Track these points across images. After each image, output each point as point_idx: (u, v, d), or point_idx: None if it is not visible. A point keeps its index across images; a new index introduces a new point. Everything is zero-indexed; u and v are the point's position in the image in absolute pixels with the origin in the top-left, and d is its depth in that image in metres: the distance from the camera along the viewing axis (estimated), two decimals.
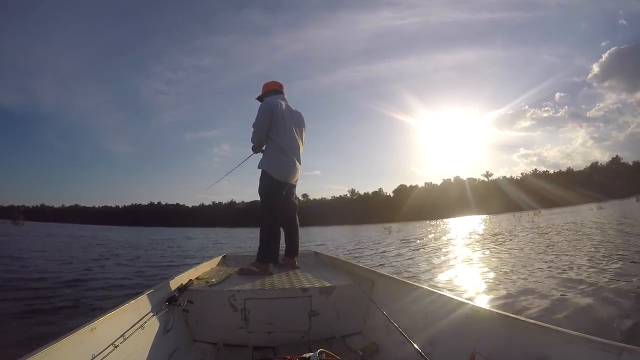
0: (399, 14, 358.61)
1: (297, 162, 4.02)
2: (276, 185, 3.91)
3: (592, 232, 14.00)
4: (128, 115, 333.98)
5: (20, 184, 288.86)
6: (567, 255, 8.26)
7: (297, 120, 4.13)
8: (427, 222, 65.79)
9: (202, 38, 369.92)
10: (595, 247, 9.17)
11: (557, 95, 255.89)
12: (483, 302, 4.86)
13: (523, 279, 5.96)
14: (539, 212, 44.13)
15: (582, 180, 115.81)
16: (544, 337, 1.50)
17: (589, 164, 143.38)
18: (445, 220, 71.56)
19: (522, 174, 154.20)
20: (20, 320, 4.47)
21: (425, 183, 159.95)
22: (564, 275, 5.94)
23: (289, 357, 1.72)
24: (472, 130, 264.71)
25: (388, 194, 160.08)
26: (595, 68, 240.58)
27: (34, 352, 1.39)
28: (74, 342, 1.58)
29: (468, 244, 13.83)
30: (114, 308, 1.99)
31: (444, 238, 18.11)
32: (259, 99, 4.21)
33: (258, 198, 4.04)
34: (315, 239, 25.14)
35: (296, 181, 4.18)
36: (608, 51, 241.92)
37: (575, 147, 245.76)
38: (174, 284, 2.82)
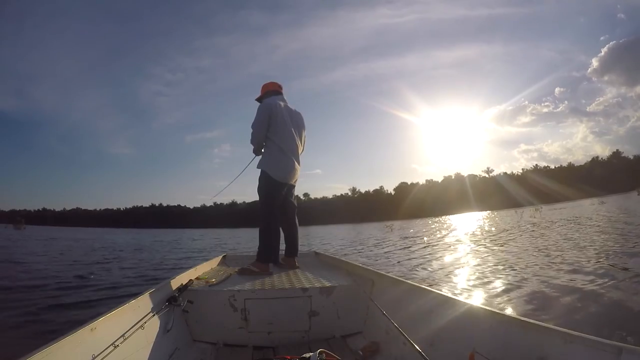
0: (397, 12, 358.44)
1: (296, 162, 4.02)
2: (275, 185, 3.91)
3: (603, 226, 13.94)
4: (128, 117, 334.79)
5: (21, 188, 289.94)
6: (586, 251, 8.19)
7: (296, 121, 4.12)
8: (429, 219, 65.57)
9: (201, 39, 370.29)
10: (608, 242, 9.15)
11: (557, 90, 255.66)
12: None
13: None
14: (541, 208, 43.95)
15: (583, 175, 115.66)
16: (543, 336, 1.50)
17: (589, 159, 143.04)
18: (447, 217, 71.32)
19: (522, 169, 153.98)
20: (20, 323, 4.48)
21: (426, 180, 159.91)
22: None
23: (289, 357, 1.72)
24: (473, 126, 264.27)
25: (389, 192, 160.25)
26: (595, 62, 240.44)
27: (34, 352, 1.39)
28: (74, 342, 1.58)
29: (476, 241, 13.68)
30: (114, 308, 1.99)
31: (451, 236, 17.93)
32: (258, 100, 4.20)
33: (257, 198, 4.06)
34: (316, 238, 25.10)
35: (295, 181, 4.18)
36: (607, 45, 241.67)
37: (575, 142, 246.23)
38: (174, 284, 2.82)
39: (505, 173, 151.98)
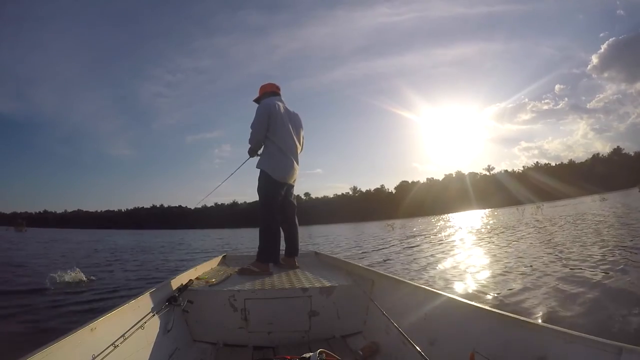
0: (396, 10, 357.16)
1: (295, 162, 4.04)
2: (275, 184, 3.93)
3: (608, 223, 13.88)
4: (128, 119, 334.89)
5: (22, 190, 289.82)
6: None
7: (294, 122, 4.15)
8: (430, 217, 65.46)
9: (200, 40, 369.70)
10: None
11: (557, 87, 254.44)
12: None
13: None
14: (542, 205, 43.82)
15: (584, 172, 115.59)
16: (543, 336, 1.49)
17: (590, 156, 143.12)
18: (448, 215, 71.27)
19: (523, 167, 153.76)
20: (20, 324, 4.49)
21: (427, 179, 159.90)
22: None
23: (289, 357, 1.72)
24: (473, 124, 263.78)
25: (390, 191, 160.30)
26: (595, 59, 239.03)
27: (34, 352, 1.39)
28: (74, 342, 1.59)
29: (484, 239, 13.55)
30: (114, 308, 2.00)
31: (457, 235, 17.71)
32: (256, 101, 4.21)
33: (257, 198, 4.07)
34: (318, 238, 25.08)
35: (294, 181, 4.20)
36: (607, 42, 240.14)
37: (576, 139, 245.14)
38: (174, 284, 2.83)
39: (506, 171, 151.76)
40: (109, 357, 1.69)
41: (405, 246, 13.53)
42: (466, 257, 9.04)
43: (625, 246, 7.79)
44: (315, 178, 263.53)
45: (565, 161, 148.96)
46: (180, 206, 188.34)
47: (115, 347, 1.75)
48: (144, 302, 2.28)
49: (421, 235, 18.82)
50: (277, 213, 3.99)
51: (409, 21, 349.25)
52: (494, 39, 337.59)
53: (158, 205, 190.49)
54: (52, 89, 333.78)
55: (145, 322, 2.09)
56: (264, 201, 3.95)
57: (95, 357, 1.62)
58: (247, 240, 25.76)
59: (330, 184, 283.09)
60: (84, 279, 7.64)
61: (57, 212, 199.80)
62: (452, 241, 14.14)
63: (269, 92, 4.22)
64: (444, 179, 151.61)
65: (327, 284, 2.97)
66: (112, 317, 1.91)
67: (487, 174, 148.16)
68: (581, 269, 6.00)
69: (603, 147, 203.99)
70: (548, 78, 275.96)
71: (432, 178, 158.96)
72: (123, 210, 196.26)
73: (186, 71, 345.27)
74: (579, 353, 1.34)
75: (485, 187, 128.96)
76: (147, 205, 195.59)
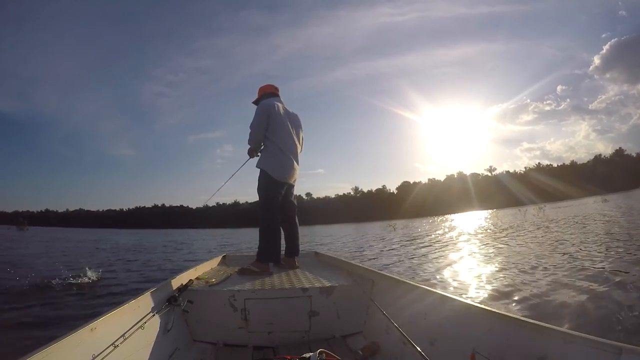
0: (398, 10, 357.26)
1: (295, 162, 4.05)
2: (275, 184, 3.93)
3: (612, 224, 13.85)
4: (130, 119, 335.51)
5: (24, 189, 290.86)
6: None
7: (294, 122, 4.16)
8: (432, 218, 65.28)
9: (201, 40, 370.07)
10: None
11: (559, 88, 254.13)
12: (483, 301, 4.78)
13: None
14: (544, 207, 43.72)
15: (586, 173, 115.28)
16: (543, 336, 1.49)
17: (592, 157, 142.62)
18: (449, 216, 71.10)
19: (525, 168, 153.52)
20: (20, 323, 4.50)
21: (429, 179, 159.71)
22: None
23: (289, 357, 1.72)
24: (475, 125, 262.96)
25: (392, 191, 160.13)
26: (597, 60, 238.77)
27: (34, 352, 1.39)
28: (74, 342, 1.58)
29: (491, 240, 13.38)
30: (114, 308, 1.99)
31: (462, 236, 17.40)
32: (255, 102, 4.22)
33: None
34: (320, 237, 25.03)
35: (294, 181, 4.21)
36: (609, 43, 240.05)
37: (578, 140, 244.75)
38: (174, 284, 2.83)
39: (508, 172, 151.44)
40: (109, 357, 1.69)
41: (416, 247, 13.38)
42: (478, 260, 8.82)
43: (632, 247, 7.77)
44: (317, 178, 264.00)
45: (567, 162, 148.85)
46: (181, 206, 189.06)
47: (115, 347, 1.75)
48: (144, 302, 2.28)
49: (428, 237, 18.61)
50: (277, 213, 3.99)
51: (411, 21, 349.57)
52: (495, 39, 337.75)
53: (159, 205, 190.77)
54: (54, 89, 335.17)
55: (145, 322, 2.09)
56: (264, 201, 3.96)
57: (95, 357, 1.62)
58: (249, 240, 25.73)
59: (331, 184, 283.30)
60: (85, 278, 7.64)
61: (59, 211, 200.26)
62: (459, 243, 14.01)
63: (268, 93, 4.23)
64: (445, 180, 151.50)
65: (327, 284, 2.97)
66: (112, 317, 1.91)
67: (489, 174, 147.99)
68: (585, 270, 5.99)
69: (605, 149, 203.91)
70: (550, 79, 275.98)
71: (434, 179, 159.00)
72: (125, 210, 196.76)
73: (188, 71, 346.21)
74: (579, 353, 1.34)
75: (487, 187, 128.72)
76: (149, 204, 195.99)
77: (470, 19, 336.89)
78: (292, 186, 4.22)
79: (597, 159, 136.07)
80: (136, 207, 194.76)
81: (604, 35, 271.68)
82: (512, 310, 4.39)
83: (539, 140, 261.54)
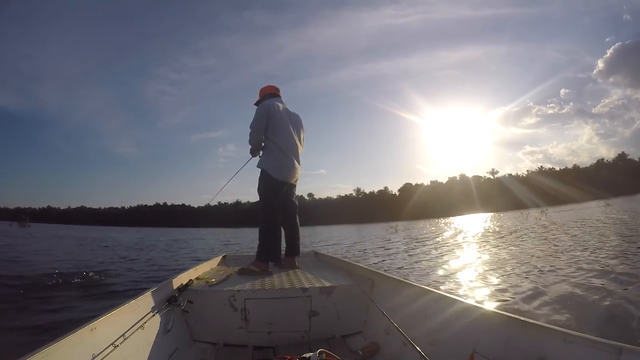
0: (402, 12, 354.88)
1: (296, 162, 4.07)
2: (275, 184, 3.95)
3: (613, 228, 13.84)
4: (133, 117, 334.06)
5: (26, 186, 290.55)
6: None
7: (294, 122, 4.18)
8: (434, 220, 65.24)
9: (205, 39, 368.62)
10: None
11: (562, 91, 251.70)
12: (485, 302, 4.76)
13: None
14: (546, 210, 43.59)
15: (589, 177, 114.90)
16: (543, 336, 1.50)
17: (595, 161, 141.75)
18: (452, 218, 70.99)
19: (527, 171, 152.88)
20: (20, 323, 4.48)
21: (431, 181, 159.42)
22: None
23: (289, 357, 1.73)
24: (477, 127, 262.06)
25: (394, 193, 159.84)
26: (600, 64, 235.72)
27: (34, 352, 1.39)
28: (74, 342, 1.59)
29: (499, 244, 13.15)
30: (114, 308, 1.99)
31: (468, 239, 17.25)
32: (257, 104, 4.24)
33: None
34: (330, 239, 24.98)
35: (296, 181, 4.22)
36: (613, 47, 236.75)
37: (581, 144, 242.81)
38: (174, 284, 2.83)
39: (510, 174, 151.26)
40: (109, 357, 1.69)
41: (424, 250, 13.13)
42: (488, 264, 8.55)
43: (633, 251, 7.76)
44: (319, 178, 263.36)
45: (570, 166, 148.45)
46: (183, 204, 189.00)
47: (115, 347, 1.75)
48: (144, 302, 2.28)
49: (433, 239, 18.40)
50: (278, 212, 4.00)
51: (415, 23, 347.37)
52: (499, 42, 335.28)
53: (161, 203, 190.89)
54: (57, 86, 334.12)
55: (145, 322, 2.09)
56: (264, 200, 3.97)
57: (95, 357, 1.63)
58: (251, 240, 25.72)
59: (333, 184, 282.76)
60: (85, 276, 7.66)
61: (61, 208, 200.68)
62: (465, 245, 13.91)
63: (269, 94, 4.26)
64: (447, 182, 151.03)
65: (327, 284, 2.98)
66: (112, 317, 1.91)
67: (491, 177, 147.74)
68: (589, 272, 5.99)
69: (608, 153, 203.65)
70: (553, 82, 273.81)
71: (436, 181, 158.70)
72: (126, 208, 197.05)
73: (191, 70, 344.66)
74: (579, 353, 1.34)
75: (490, 190, 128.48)
76: (151, 203, 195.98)
77: (474, 21, 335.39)
78: (294, 186, 4.23)
79: (600, 163, 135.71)
80: (138, 205, 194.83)
81: (608, 39, 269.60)
82: (498, 305, 4.45)
83: (541, 143, 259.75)
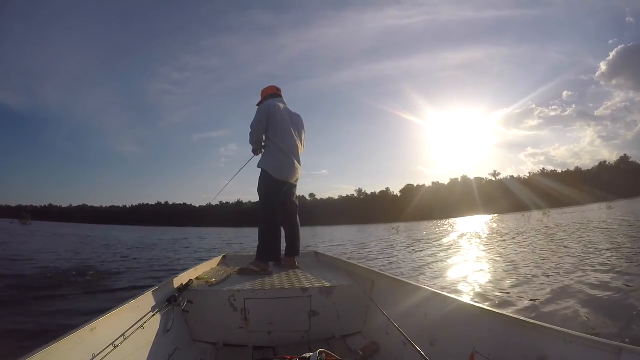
0: (405, 13, 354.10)
1: (296, 162, 4.08)
2: (275, 183, 3.96)
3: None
4: (135, 116, 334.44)
5: (28, 184, 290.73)
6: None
7: (295, 122, 4.20)
8: (436, 222, 65.18)
9: (207, 39, 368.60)
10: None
11: (565, 93, 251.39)
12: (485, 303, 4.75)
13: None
14: (548, 212, 43.46)
15: (591, 180, 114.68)
16: (543, 336, 1.49)
17: (597, 163, 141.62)
18: (453, 220, 71.00)
19: (529, 173, 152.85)
20: (20, 322, 4.49)
21: (433, 182, 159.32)
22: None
23: (289, 357, 1.73)
24: (479, 129, 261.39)
25: (395, 194, 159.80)
26: (603, 66, 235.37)
27: (33, 352, 1.39)
28: (74, 342, 1.58)
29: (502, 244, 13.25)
30: (114, 308, 1.99)
31: (471, 240, 17.18)
32: (259, 104, 4.25)
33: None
34: (325, 239, 24.97)
35: (296, 181, 4.23)
36: (615, 49, 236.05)
37: (583, 146, 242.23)
38: (174, 284, 2.83)
39: (512, 176, 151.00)
40: (109, 356, 1.69)
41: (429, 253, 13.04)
42: (493, 265, 8.55)
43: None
44: (321, 179, 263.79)
45: (572, 168, 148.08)
46: (185, 204, 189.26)
47: (115, 347, 1.75)
48: (144, 302, 2.28)
49: (435, 241, 18.31)
50: (278, 212, 4.01)
51: (418, 24, 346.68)
52: (502, 44, 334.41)
53: (163, 203, 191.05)
54: (60, 85, 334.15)
55: (145, 322, 2.09)
56: (264, 200, 3.99)
57: (95, 357, 1.62)
58: (252, 240, 25.66)
59: (335, 185, 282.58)
60: (86, 275, 7.68)
61: (62, 206, 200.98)
62: (469, 247, 13.83)
63: (271, 94, 4.28)
64: (449, 183, 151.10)
65: (327, 284, 2.98)
66: (112, 316, 1.91)
67: (493, 179, 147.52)
68: (592, 273, 6.02)
69: (610, 155, 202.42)
70: (556, 84, 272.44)
71: (438, 182, 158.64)
72: (128, 207, 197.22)
73: (193, 70, 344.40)
74: (579, 353, 1.34)
75: (491, 192, 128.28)
76: (152, 202, 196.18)
77: (477, 22, 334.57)
78: (294, 186, 4.24)
79: (602, 165, 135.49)
80: (139, 204, 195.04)
81: (610, 42, 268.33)
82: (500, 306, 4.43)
83: (543, 145, 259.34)
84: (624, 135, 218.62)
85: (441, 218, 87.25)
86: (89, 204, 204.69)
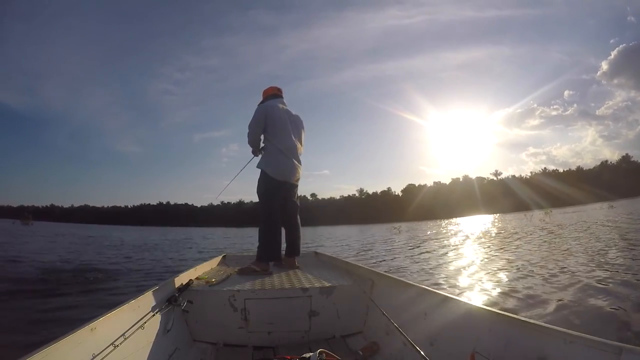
0: (406, 13, 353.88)
1: (296, 162, 4.08)
2: (274, 184, 3.96)
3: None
4: (136, 116, 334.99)
5: (29, 184, 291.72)
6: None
7: (295, 123, 4.20)
8: (437, 221, 65.08)
9: (209, 39, 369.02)
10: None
11: (566, 93, 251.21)
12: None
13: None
14: (550, 211, 43.35)
15: (592, 179, 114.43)
16: (543, 336, 1.49)
17: (598, 163, 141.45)
18: (455, 219, 70.86)
19: (531, 172, 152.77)
20: (21, 322, 4.50)
21: (434, 182, 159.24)
22: None
23: (289, 357, 1.73)
24: (481, 129, 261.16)
25: (397, 194, 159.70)
26: (604, 65, 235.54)
27: (33, 352, 1.38)
28: (74, 342, 1.58)
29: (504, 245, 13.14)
30: (114, 308, 1.99)
31: (473, 240, 17.09)
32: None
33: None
34: (328, 239, 24.92)
35: (296, 181, 4.22)
36: (617, 48, 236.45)
37: (584, 146, 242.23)
38: (174, 283, 2.83)
39: (514, 176, 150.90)
40: (109, 356, 1.69)
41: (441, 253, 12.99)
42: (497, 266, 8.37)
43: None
44: (322, 179, 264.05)
45: (573, 168, 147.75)
46: (186, 204, 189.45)
47: (115, 346, 1.75)
48: (144, 302, 2.28)
49: (437, 241, 18.18)
50: (277, 212, 4.01)
51: (419, 24, 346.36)
52: (503, 43, 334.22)
53: (164, 203, 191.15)
54: (61, 85, 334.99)
55: (145, 322, 2.09)
56: (263, 200, 4.00)
57: (95, 357, 1.62)
58: (254, 239, 25.61)
59: (337, 185, 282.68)
60: (87, 275, 7.69)
61: (64, 206, 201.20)
62: (471, 247, 13.78)
63: (271, 95, 4.28)
64: (451, 183, 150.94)
65: (327, 284, 2.98)
66: (112, 316, 1.91)
67: (495, 179, 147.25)
68: (594, 273, 6.01)
69: (611, 155, 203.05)
70: (557, 83, 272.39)
71: (439, 182, 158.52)
72: (129, 207, 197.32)
73: (195, 70, 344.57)
74: (579, 353, 1.34)
75: (493, 191, 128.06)
76: (154, 202, 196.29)
77: (478, 22, 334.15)
78: (295, 186, 4.24)
79: (604, 165, 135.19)
80: (141, 204, 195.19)
81: (612, 41, 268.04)
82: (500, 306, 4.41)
83: (545, 145, 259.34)
84: (625, 135, 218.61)
85: (443, 218, 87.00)
86: (91, 204, 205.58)
